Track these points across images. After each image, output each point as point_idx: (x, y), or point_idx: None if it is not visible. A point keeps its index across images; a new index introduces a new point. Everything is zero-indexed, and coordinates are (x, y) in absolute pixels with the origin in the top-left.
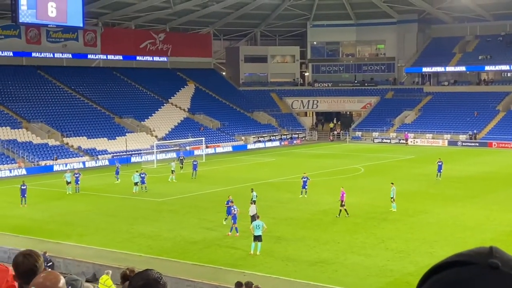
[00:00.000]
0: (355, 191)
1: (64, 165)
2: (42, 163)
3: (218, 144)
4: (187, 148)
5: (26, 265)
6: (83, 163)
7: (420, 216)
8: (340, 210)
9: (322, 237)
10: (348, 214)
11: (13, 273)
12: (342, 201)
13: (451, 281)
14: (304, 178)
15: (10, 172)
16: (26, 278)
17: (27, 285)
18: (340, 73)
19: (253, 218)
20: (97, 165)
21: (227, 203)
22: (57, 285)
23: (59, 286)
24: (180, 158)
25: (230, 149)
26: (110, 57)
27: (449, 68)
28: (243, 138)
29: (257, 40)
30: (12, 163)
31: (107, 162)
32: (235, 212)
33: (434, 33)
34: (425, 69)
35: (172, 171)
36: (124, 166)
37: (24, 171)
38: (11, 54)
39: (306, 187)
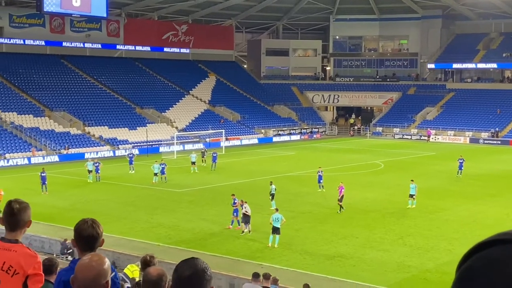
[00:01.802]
0: (375, 187)
1: (88, 153)
2: (64, 151)
3: (238, 136)
4: (207, 140)
5: (89, 231)
6: (105, 152)
7: (439, 213)
8: (340, 206)
9: (341, 231)
10: (342, 209)
11: (40, 260)
12: (339, 196)
13: (494, 258)
14: (320, 173)
15: (38, 159)
16: (87, 243)
17: (86, 250)
18: (362, 68)
19: (247, 217)
20: (118, 154)
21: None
22: (102, 266)
23: (104, 267)
24: (202, 151)
25: (250, 141)
26: (132, 47)
27: (473, 65)
28: (263, 131)
29: (279, 33)
30: (34, 151)
31: (128, 152)
32: (236, 207)
33: (458, 29)
34: (450, 65)
35: (193, 162)
36: (150, 156)
37: (49, 159)
38: (35, 42)
39: (321, 181)
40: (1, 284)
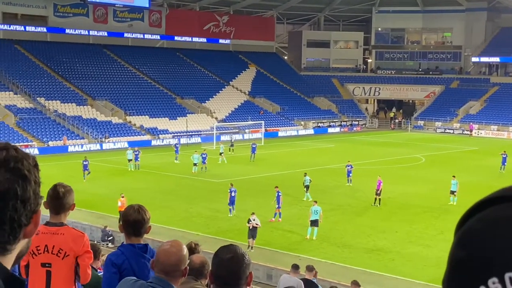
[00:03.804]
0: (416, 181)
1: (129, 143)
2: (105, 140)
3: (277, 128)
4: (246, 131)
5: (135, 216)
6: (146, 141)
7: None
8: (375, 199)
9: (380, 225)
10: (378, 204)
11: (87, 237)
12: (377, 189)
13: (495, 219)
14: (349, 167)
15: (80, 147)
16: (133, 228)
17: (132, 235)
18: (404, 61)
19: (254, 231)
20: (158, 144)
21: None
22: (182, 253)
23: (184, 254)
24: (231, 141)
25: (289, 133)
26: (174, 38)
27: None
28: (302, 123)
29: (320, 25)
30: (77, 139)
31: (168, 141)
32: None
33: (504, 22)
34: (493, 59)
35: (221, 153)
36: (190, 146)
37: (88, 147)
38: (79, 32)
39: (350, 175)
40: (52, 267)
